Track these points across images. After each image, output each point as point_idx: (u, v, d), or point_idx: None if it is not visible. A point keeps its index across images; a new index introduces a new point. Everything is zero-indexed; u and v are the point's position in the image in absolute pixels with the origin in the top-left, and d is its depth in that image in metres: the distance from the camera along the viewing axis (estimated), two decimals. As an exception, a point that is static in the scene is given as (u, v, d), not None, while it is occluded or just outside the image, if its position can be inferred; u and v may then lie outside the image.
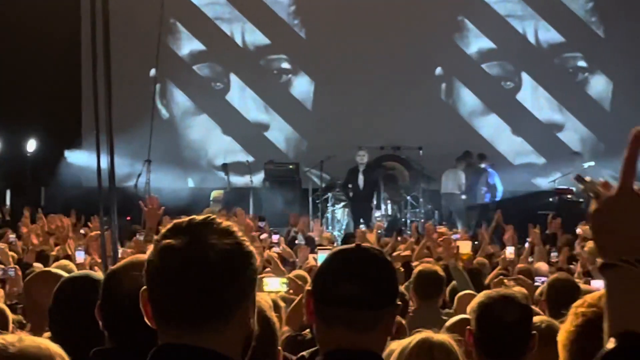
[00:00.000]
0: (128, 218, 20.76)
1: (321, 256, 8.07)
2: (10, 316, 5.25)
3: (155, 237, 2.72)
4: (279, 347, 4.17)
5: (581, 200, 22.79)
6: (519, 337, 4.58)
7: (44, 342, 2.97)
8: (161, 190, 23.13)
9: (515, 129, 26.12)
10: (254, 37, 26.53)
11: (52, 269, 5.97)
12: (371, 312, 3.27)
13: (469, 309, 4.84)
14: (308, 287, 3.53)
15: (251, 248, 2.70)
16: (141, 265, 2.75)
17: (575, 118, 26.00)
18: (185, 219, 2.72)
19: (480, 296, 4.83)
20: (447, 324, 5.64)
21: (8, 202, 22.91)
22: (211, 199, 23.23)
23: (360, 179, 22.47)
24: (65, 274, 5.17)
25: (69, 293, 4.13)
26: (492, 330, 4.62)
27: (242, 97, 26.56)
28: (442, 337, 4.17)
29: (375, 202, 22.79)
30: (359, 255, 3.36)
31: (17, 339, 2.90)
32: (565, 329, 2.27)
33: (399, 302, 3.43)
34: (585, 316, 2.26)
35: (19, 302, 8.67)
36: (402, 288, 8.34)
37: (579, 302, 2.28)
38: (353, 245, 3.46)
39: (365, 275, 3.29)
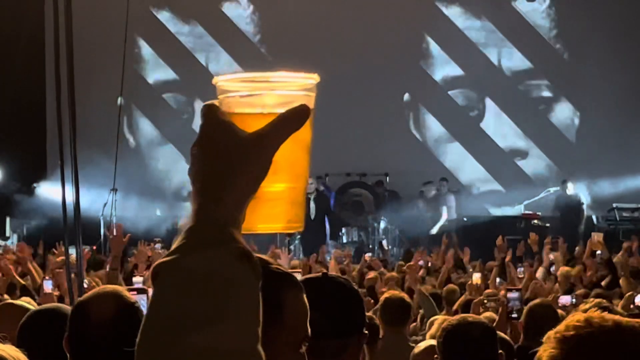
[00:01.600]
0: (94, 247, 20.74)
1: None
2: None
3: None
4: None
5: (547, 225, 22.94)
6: (484, 357, 4.64)
7: (13, 349, 2.96)
8: (126, 219, 23.13)
9: (477, 157, 26.24)
10: (222, 64, 26.59)
11: (17, 301, 5.87)
12: (336, 341, 3.29)
13: (431, 336, 4.89)
14: None
15: None
16: (108, 297, 2.77)
17: (538, 146, 26.08)
18: None
19: (442, 322, 4.88)
20: (414, 351, 5.64)
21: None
22: (178, 227, 23.22)
23: (312, 207, 22.37)
24: (31, 307, 5.18)
25: (35, 326, 4.13)
26: (458, 353, 4.66)
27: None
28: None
29: (328, 230, 22.81)
30: (325, 285, 3.37)
31: None
32: (546, 353, 2.25)
33: (366, 331, 3.44)
34: (576, 334, 2.24)
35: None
36: (370, 314, 8.36)
37: (553, 331, 2.27)
38: (319, 274, 3.48)
39: (330, 305, 3.27)
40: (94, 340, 3.03)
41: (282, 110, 1.62)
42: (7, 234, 23.83)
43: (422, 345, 5.72)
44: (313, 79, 1.72)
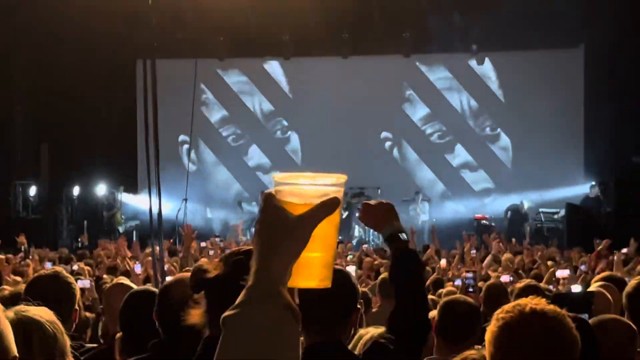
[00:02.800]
0: (171, 240, 20.66)
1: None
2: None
3: None
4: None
5: (492, 224, 22.84)
6: (469, 325, 4.53)
7: (43, 310, 2.81)
8: (193, 220, 23.07)
9: (441, 177, 26.06)
10: (264, 105, 26.57)
11: (125, 281, 5.78)
12: (337, 324, 3.27)
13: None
14: None
15: None
16: (184, 283, 2.70)
17: (483, 168, 25.97)
18: None
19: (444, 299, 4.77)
20: None
21: (85, 231, 22.74)
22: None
23: None
24: (134, 286, 5.13)
25: (134, 302, 4.04)
26: (449, 322, 4.58)
27: (252, 152, 26.63)
28: None
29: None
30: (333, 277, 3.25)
31: (18, 309, 2.74)
32: (489, 330, 2.25)
33: (359, 306, 3.37)
34: (503, 319, 2.22)
35: (92, 304, 8.58)
36: (366, 289, 8.23)
37: (500, 309, 2.27)
38: None
39: (330, 299, 2.98)
40: (175, 313, 2.91)
41: (319, 200, 1.67)
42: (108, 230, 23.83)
43: None
44: (342, 178, 1.73)
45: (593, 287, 6.01)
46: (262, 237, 1.65)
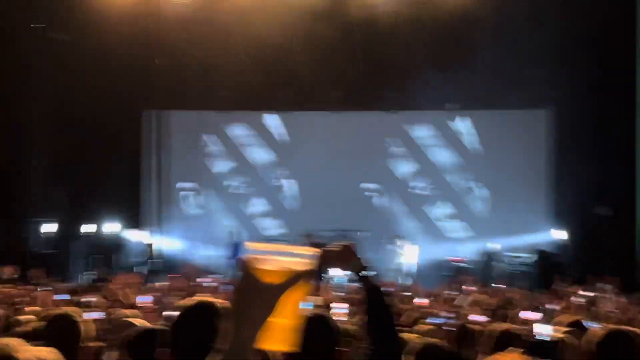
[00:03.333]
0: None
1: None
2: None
3: None
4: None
5: (468, 265, 22.94)
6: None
7: (50, 351, 2.79)
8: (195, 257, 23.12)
9: (420, 225, 26.09)
10: (265, 156, 26.66)
11: (128, 319, 5.74)
12: None
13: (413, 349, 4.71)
14: None
15: None
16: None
17: (461, 218, 26.09)
18: None
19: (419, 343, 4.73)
20: None
21: (96, 265, 22.68)
22: None
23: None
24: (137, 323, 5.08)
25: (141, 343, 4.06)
26: None
27: (250, 199, 26.62)
28: None
29: None
30: (315, 322, 3.30)
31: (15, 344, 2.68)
32: None
33: (342, 348, 3.41)
34: None
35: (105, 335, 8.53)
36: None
37: None
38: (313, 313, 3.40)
39: (316, 340, 3.20)
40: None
41: (290, 267, 1.72)
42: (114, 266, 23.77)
43: None
44: (315, 251, 1.78)
45: (559, 333, 6.07)
46: (237, 303, 1.72)
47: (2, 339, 2.42)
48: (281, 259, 1.74)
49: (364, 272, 3.35)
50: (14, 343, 2.38)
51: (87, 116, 23.17)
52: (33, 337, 4.11)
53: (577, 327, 6.48)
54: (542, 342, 4.64)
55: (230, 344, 1.68)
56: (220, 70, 23.54)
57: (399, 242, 23.62)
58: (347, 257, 3.39)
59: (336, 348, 3.28)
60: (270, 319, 1.68)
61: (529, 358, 2.34)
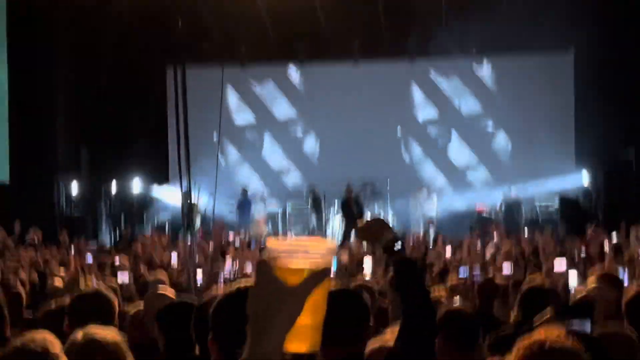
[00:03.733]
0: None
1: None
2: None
3: None
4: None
5: (493, 214, 22.73)
6: (473, 334, 4.45)
7: (108, 331, 2.79)
8: (221, 212, 23.13)
9: (443, 173, 25.92)
10: (285, 109, 26.49)
11: (165, 291, 5.67)
12: (352, 337, 3.28)
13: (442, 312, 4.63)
14: None
15: None
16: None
17: (483, 164, 25.84)
18: None
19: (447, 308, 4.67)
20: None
21: (122, 224, 22.82)
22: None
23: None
24: (172, 297, 5.02)
25: (168, 314, 3.96)
26: (454, 329, 4.46)
27: (272, 151, 26.61)
28: None
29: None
30: (338, 299, 3.16)
31: (87, 330, 2.72)
32: None
33: (371, 324, 3.38)
34: (524, 355, 2.17)
35: (131, 297, 8.51)
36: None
37: (521, 341, 2.22)
38: (334, 290, 3.33)
39: (345, 315, 3.18)
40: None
41: (310, 265, 1.59)
42: (144, 223, 23.86)
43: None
44: (332, 245, 1.65)
45: (590, 287, 5.93)
46: (256, 308, 1.57)
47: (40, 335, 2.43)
48: (301, 256, 1.60)
49: (396, 246, 3.37)
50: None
51: (112, 74, 23.13)
52: (64, 314, 4.04)
53: (609, 280, 6.36)
54: (573, 306, 4.51)
55: (252, 355, 1.55)
56: (241, 24, 23.34)
57: (421, 192, 23.45)
58: (377, 232, 3.43)
59: (365, 324, 3.25)
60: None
61: (571, 342, 2.22)
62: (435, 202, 23.38)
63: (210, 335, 2.63)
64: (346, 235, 21.27)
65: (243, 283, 2.77)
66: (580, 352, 2.22)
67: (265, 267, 1.57)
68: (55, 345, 2.51)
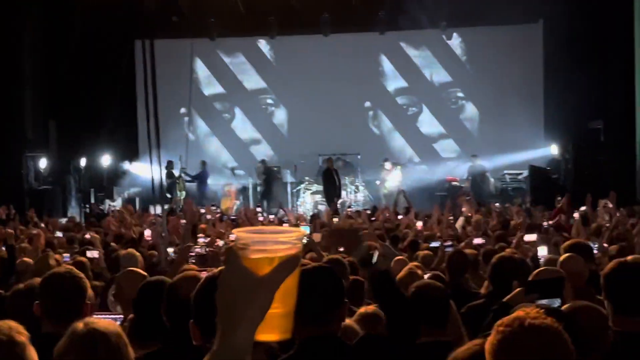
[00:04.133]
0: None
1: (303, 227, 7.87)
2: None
3: None
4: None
5: (462, 185, 22.79)
6: (443, 309, 4.44)
7: (109, 322, 2.79)
8: (191, 186, 23.03)
9: (411, 145, 25.92)
10: (256, 82, 26.35)
11: (137, 269, 5.61)
12: (328, 314, 3.25)
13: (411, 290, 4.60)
14: None
15: None
16: (191, 281, 2.59)
17: (451, 135, 25.88)
18: None
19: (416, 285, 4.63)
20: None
21: (92, 199, 22.64)
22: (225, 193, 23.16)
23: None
24: (145, 274, 4.99)
25: (147, 293, 3.91)
26: (424, 306, 4.41)
27: (243, 124, 26.50)
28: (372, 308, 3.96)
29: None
30: (315, 276, 3.24)
31: (88, 322, 2.73)
32: (489, 341, 2.18)
33: (346, 300, 3.34)
34: (502, 333, 2.15)
35: (101, 273, 8.46)
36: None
37: (500, 321, 2.20)
38: (311, 266, 3.37)
39: (321, 292, 3.19)
40: (183, 311, 2.78)
41: (280, 253, 1.56)
42: (115, 198, 23.67)
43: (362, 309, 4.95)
44: (301, 232, 1.61)
45: (561, 258, 5.94)
46: (225, 299, 1.52)
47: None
48: (271, 245, 1.56)
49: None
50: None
51: (80, 47, 22.86)
52: (33, 295, 3.98)
53: (577, 250, 6.39)
54: (543, 281, 4.51)
55: (222, 350, 1.50)
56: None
57: (387, 165, 23.43)
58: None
59: (341, 303, 3.23)
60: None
61: (551, 320, 2.22)
62: (400, 175, 23.31)
63: (192, 320, 2.59)
64: (329, 202, 21.37)
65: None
66: (560, 329, 2.21)
67: (235, 257, 1.53)
68: (21, 333, 2.46)
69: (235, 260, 1.53)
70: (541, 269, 5.54)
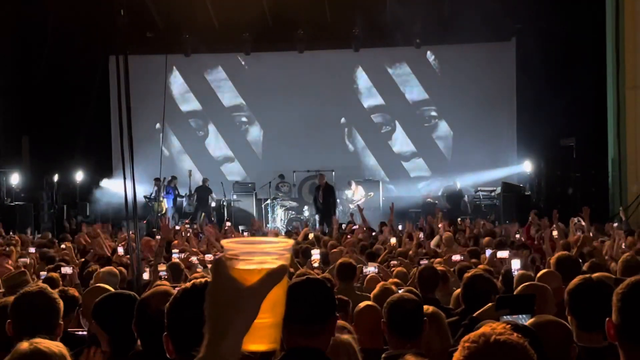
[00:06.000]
0: (144, 222, 20.50)
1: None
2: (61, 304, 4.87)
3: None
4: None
5: (436, 202, 22.86)
6: (417, 321, 4.47)
7: (53, 344, 2.79)
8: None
9: (384, 162, 25.97)
10: (230, 98, 26.32)
11: (105, 285, 5.57)
12: (318, 325, 3.24)
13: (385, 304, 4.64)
14: None
15: None
16: (162, 296, 2.59)
17: (421, 155, 25.95)
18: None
19: (390, 299, 4.66)
20: (357, 308, 5.31)
21: (65, 215, 22.47)
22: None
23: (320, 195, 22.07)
24: (111, 289, 4.91)
25: (108, 308, 3.89)
26: (399, 319, 4.48)
27: (216, 141, 26.44)
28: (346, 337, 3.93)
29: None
30: (308, 286, 3.28)
31: (33, 342, 2.74)
32: (455, 357, 2.22)
33: (337, 314, 3.37)
34: (468, 349, 2.18)
35: (76, 289, 8.39)
36: (327, 274, 8.15)
37: (467, 336, 2.23)
38: (304, 277, 3.37)
39: (314, 302, 3.22)
40: (154, 327, 2.78)
41: (268, 265, 1.57)
42: (88, 214, 23.52)
43: (362, 304, 5.23)
44: (288, 243, 1.62)
45: (539, 273, 6.02)
46: (213, 309, 1.54)
47: None
48: (257, 255, 1.58)
49: None
50: None
51: (54, 63, 22.78)
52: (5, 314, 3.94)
53: (564, 264, 6.50)
54: (514, 297, 4.56)
55: (209, 356, 1.52)
56: (185, 13, 23.13)
57: (352, 185, 23.45)
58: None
59: (332, 314, 3.30)
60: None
61: (516, 336, 2.25)
62: (363, 192, 23.35)
63: (165, 332, 2.56)
64: (322, 222, 21.13)
65: (199, 279, 2.73)
66: (526, 346, 2.24)
67: (222, 268, 1.55)
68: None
69: (223, 270, 1.55)
70: (526, 284, 5.62)
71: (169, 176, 23.22)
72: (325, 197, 21.82)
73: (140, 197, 20.23)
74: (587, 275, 4.41)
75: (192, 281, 2.59)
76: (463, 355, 2.22)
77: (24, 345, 2.70)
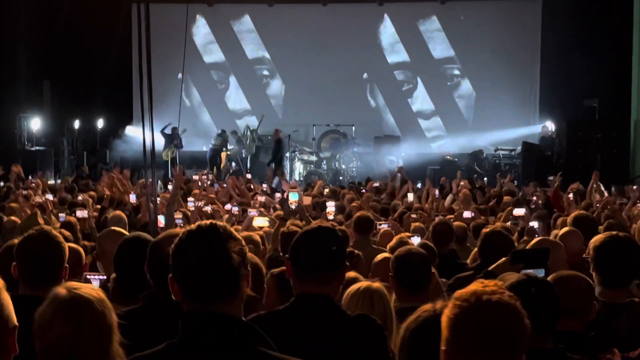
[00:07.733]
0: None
1: (292, 193, 7.87)
2: (84, 255, 4.85)
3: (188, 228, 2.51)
4: (264, 284, 3.91)
5: (456, 159, 22.74)
6: (423, 274, 4.42)
7: (92, 288, 2.76)
8: (182, 152, 22.92)
9: (410, 118, 25.76)
10: (251, 51, 26.15)
11: (118, 228, 5.53)
12: (329, 272, 3.26)
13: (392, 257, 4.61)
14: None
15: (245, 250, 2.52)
16: (174, 239, 2.54)
17: (440, 113, 25.70)
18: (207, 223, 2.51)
19: (397, 252, 4.63)
20: (374, 260, 5.31)
21: (85, 161, 22.56)
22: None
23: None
24: (127, 233, 4.89)
25: (127, 250, 3.86)
26: (405, 272, 4.46)
27: (236, 94, 26.33)
28: (378, 285, 3.92)
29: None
30: (320, 233, 3.33)
31: (71, 287, 2.69)
32: (446, 314, 2.20)
33: (348, 263, 3.40)
34: (459, 308, 2.14)
35: (91, 232, 8.43)
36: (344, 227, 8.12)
37: (458, 293, 2.20)
38: (316, 225, 3.48)
39: (325, 249, 3.25)
40: (164, 267, 2.72)
41: None
42: (107, 161, 23.60)
43: (379, 256, 5.28)
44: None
45: (560, 232, 5.98)
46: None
47: None
48: None
49: None
50: None
51: (76, 9, 22.68)
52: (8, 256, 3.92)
53: (583, 222, 6.46)
54: (528, 251, 4.52)
55: None
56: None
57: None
58: None
59: (342, 262, 3.34)
60: None
61: (508, 295, 2.22)
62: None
63: (170, 274, 2.53)
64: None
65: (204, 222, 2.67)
66: (517, 305, 2.22)
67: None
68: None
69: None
70: (539, 238, 5.58)
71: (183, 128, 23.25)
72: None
73: (159, 146, 20.36)
74: (614, 232, 4.35)
75: (197, 223, 2.54)
76: (454, 313, 2.22)
77: (62, 291, 2.67)
